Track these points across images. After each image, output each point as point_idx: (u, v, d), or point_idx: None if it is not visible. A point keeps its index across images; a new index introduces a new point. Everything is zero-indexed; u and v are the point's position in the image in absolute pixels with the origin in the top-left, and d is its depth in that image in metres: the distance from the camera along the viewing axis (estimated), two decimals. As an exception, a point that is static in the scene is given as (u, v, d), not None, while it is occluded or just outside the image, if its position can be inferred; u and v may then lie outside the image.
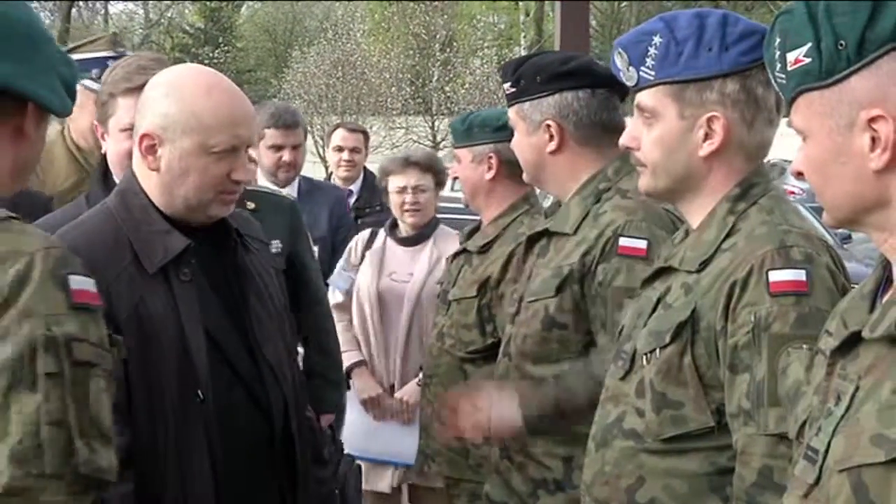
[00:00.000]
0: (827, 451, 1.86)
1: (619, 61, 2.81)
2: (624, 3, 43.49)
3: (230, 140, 2.86)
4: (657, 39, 2.73)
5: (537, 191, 4.39)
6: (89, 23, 47.68)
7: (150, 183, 2.93)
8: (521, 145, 3.60)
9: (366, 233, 5.82)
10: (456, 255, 4.61)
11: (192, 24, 52.07)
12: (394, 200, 5.51)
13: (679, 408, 2.64)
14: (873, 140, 1.84)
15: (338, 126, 7.87)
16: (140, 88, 3.29)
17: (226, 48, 46.69)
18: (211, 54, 43.18)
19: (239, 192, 2.99)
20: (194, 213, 2.94)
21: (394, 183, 5.47)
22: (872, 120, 1.84)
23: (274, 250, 4.38)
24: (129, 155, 3.35)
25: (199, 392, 2.80)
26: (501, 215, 4.47)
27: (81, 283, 2.14)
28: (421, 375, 5.00)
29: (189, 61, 41.52)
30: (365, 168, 7.62)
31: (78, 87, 4.05)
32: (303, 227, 4.92)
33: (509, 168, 4.30)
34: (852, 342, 1.91)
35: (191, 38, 50.88)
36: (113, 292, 2.73)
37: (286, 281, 3.61)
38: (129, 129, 3.36)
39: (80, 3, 47.76)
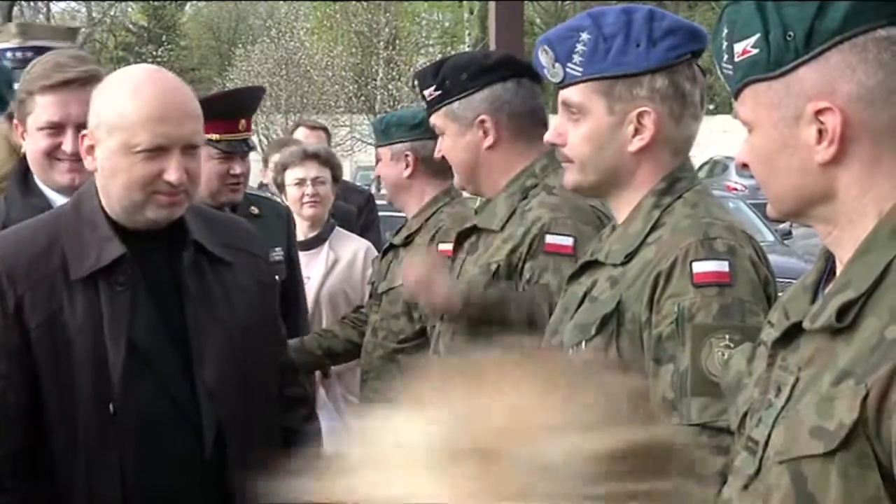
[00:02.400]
0: (767, 442, 1.86)
1: (545, 58, 2.78)
2: (566, 2, 43.74)
3: (153, 139, 2.73)
4: (585, 36, 2.71)
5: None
6: (32, 21, 47.31)
7: (99, 185, 2.84)
8: (455, 148, 3.55)
9: None
10: (384, 252, 4.62)
11: (135, 23, 51.88)
12: (292, 194, 5.42)
13: None
14: (820, 132, 1.83)
15: (298, 124, 7.78)
16: (59, 86, 3.30)
17: (169, 46, 46.56)
18: (154, 53, 43.04)
19: (181, 195, 2.81)
20: (133, 217, 2.81)
21: (292, 175, 5.39)
22: (819, 112, 1.82)
23: (277, 258, 4.51)
24: (47, 153, 3.37)
25: (112, 405, 2.69)
26: (423, 209, 4.48)
27: None
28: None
29: (132, 60, 41.41)
30: None
31: None
32: (294, 233, 4.98)
33: (426, 165, 4.36)
34: (793, 333, 1.90)
35: (134, 36, 50.77)
36: (26, 301, 2.69)
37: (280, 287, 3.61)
38: (48, 128, 3.34)
39: (23, 3, 47.42)
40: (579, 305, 2.72)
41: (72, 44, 4.90)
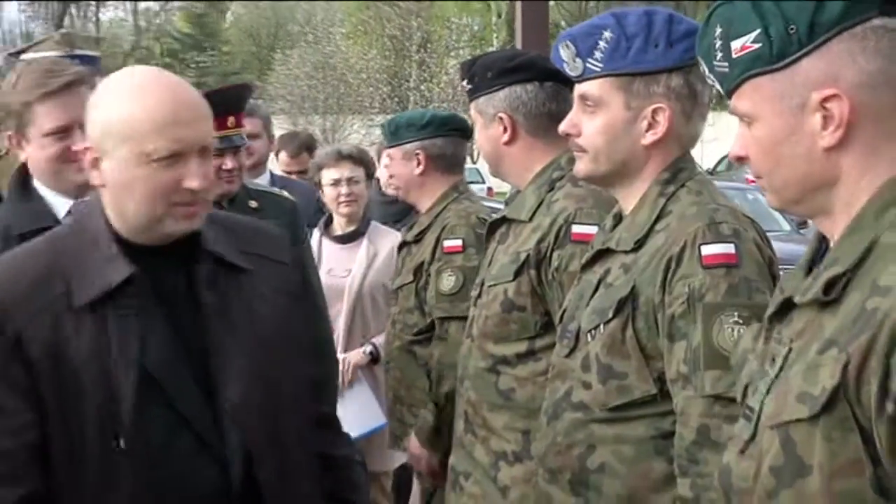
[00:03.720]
0: (761, 409, 1.89)
1: (565, 53, 2.83)
2: (591, 3, 43.58)
3: (170, 145, 2.37)
4: (607, 34, 2.76)
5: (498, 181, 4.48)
6: (82, 29, 47.48)
7: (105, 201, 2.46)
8: (481, 139, 3.64)
9: None
10: (400, 248, 4.70)
11: (179, 31, 52.00)
12: (329, 193, 5.51)
13: (624, 378, 2.69)
14: (825, 119, 1.85)
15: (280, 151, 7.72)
16: (60, 90, 3.22)
17: (212, 52, 46.75)
18: (198, 58, 43.14)
19: (200, 203, 2.46)
20: (151, 233, 2.44)
21: (328, 176, 5.47)
22: (825, 100, 1.84)
23: None
24: (58, 158, 3.27)
25: (120, 439, 2.30)
26: (434, 205, 4.58)
27: None
28: (367, 346, 5.33)
29: (178, 66, 41.47)
30: None
31: None
32: (303, 227, 4.76)
33: (435, 162, 4.52)
34: (787, 308, 1.94)
35: (179, 43, 50.83)
36: (28, 333, 2.31)
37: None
38: (56, 133, 3.24)
39: (73, 11, 47.63)
40: (594, 292, 2.78)
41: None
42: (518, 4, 6.81)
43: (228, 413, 2.42)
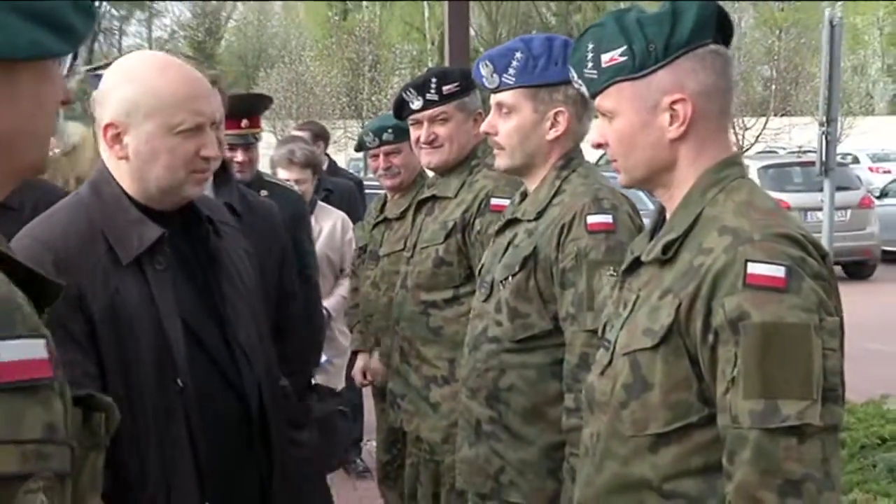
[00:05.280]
0: (616, 341, 1.93)
1: (485, 70, 2.84)
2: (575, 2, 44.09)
3: (194, 118, 2.18)
4: (518, 55, 2.78)
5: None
6: (108, 53, 46.80)
7: (121, 172, 2.22)
8: (458, 133, 3.54)
9: None
10: (376, 223, 4.47)
11: (184, 54, 51.33)
12: None
13: (527, 317, 2.71)
14: (671, 117, 1.89)
15: (300, 127, 7.49)
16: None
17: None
18: (198, 75, 42.62)
19: (210, 170, 2.29)
20: (169, 196, 2.23)
21: (281, 174, 5.17)
22: (674, 102, 1.88)
23: None
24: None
25: (179, 380, 2.13)
26: (407, 190, 4.36)
27: (16, 349, 1.15)
28: None
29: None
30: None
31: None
32: (307, 217, 4.58)
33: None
34: (636, 265, 1.98)
35: (183, 63, 50.23)
36: (87, 288, 2.08)
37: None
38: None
39: (101, 39, 46.95)
40: (504, 251, 2.79)
41: None
42: (446, 34, 6.88)
43: (243, 356, 2.28)
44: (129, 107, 2.17)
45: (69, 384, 1.87)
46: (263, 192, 4.10)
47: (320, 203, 5.54)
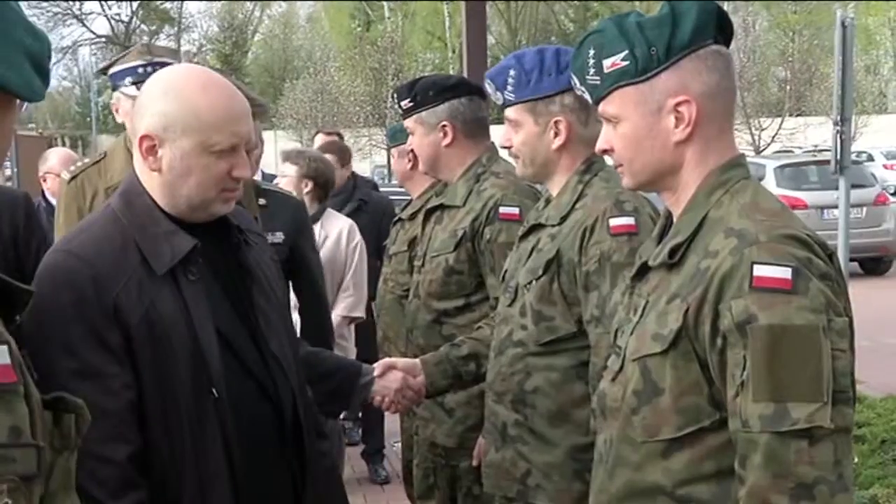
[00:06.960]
0: (626, 347, 1.90)
1: (489, 88, 2.88)
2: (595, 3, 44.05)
3: (230, 139, 2.13)
4: (512, 72, 2.79)
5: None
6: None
7: (153, 184, 2.17)
8: (421, 145, 3.52)
9: None
10: (394, 223, 4.60)
11: (212, 67, 51.64)
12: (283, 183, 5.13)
13: (551, 320, 2.69)
14: (676, 119, 1.86)
15: (318, 132, 7.47)
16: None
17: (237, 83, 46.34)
18: (226, 87, 42.82)
19: (239, 189, 2.24)
20: (197, 213, 2.19)
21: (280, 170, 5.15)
22: (679, 104, 1.85)
23: (277, 240, 3.91)
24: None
25: (214, 390, 2.08)
26: (423, 193, 4.49)
27: None
28: None
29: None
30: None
31: (119, 94, 3.43)
32: (308, 224, 4.34)
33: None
34: (644, 270, 1.95)
35: (211, 76, 50.47)
36: (123, 302, 2.04)
37: (288, 271, 3.17)
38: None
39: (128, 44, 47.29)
40: (529, 256, 2.77)
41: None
42: (463, 38, 6.92)
43: (278, 365, 2.23)
44: (167, 122, 2.12)
45: (110, 395, 1.96)
46: (262, 201, 4.01)
47: (329, 210, 5.44)
